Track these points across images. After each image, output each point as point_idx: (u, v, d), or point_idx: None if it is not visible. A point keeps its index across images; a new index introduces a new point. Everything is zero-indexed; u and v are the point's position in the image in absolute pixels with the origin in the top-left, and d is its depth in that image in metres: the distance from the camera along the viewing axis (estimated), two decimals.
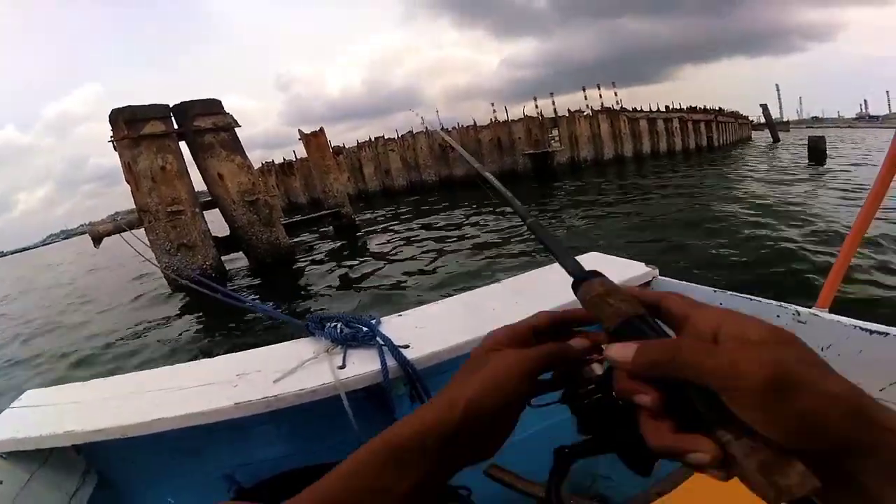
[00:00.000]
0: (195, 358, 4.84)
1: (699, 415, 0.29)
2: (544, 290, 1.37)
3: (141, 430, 1.00)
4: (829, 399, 0.26)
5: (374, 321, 1.22)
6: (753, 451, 0.27)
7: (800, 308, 1.03)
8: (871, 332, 0.91)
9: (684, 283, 1.30)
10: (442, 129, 25.40)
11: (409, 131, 26.36)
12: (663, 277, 1.36)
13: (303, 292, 7.48)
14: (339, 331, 1.17)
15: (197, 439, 1.12)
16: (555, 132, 24.60)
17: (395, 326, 1.22)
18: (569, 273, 0.43)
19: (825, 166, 15.36)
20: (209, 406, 1.00)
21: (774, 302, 1.09)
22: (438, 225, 11.95)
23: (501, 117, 26.39)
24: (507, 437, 0.39)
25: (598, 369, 0.40)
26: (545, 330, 0.43)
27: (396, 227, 12.75)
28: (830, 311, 1.04)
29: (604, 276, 0.41)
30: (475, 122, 25.99)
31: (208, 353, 5.08)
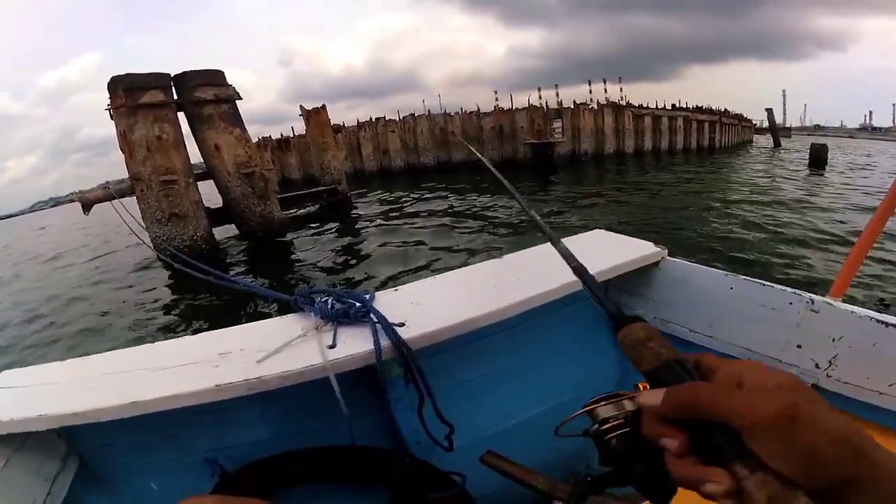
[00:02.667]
0: (178, 334, 4.89)
1: (720, 451, 0.32)
2: (546, 266, 1.24)
3: (119, 413, 0.94)
4: (833, 436, 0.30)
5: (367, 296, 1.14)
6: (764, 484, 0.30)
7: (814, 296, 1.00)
8: (887, 324, 0.88)
9: (693, 264, 1.25)
10: (445, 113, 25.33)
11: (410, 114, 26.16)
12: (672, 258, 1.30)
13: (294, 267, 7.46)
14: (329, 306, 1.10)
15: (178, 422, 1.07)
16: (558, 123, 24.45)
17: (389, 302, 1.15)
18: (609, 315, 0.46)
19: (825, 175, 15.42)
20: (189, 388, 0.94)
21: (788, 289, 1.05)
22: (435, 205, 11.98)
23: (505, 105, 26.20)
24: None
25: (629, 405, 0.44)
26: None
27: (393, 206, 12.74)
28: (844, 301, 1.00)
29: (645, 320, 0.43)
30: (479, 108, 25.83)
31: (192, 330, 5.07)
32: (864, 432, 0.31)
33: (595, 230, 1.57)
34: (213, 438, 1.16)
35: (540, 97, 26.74)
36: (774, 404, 0.31)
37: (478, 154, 1.05)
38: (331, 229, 10.14)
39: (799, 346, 1.02)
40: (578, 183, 15.92)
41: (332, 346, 1.00)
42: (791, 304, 1.02)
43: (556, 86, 27.58)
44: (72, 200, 8.92)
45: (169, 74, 8.04)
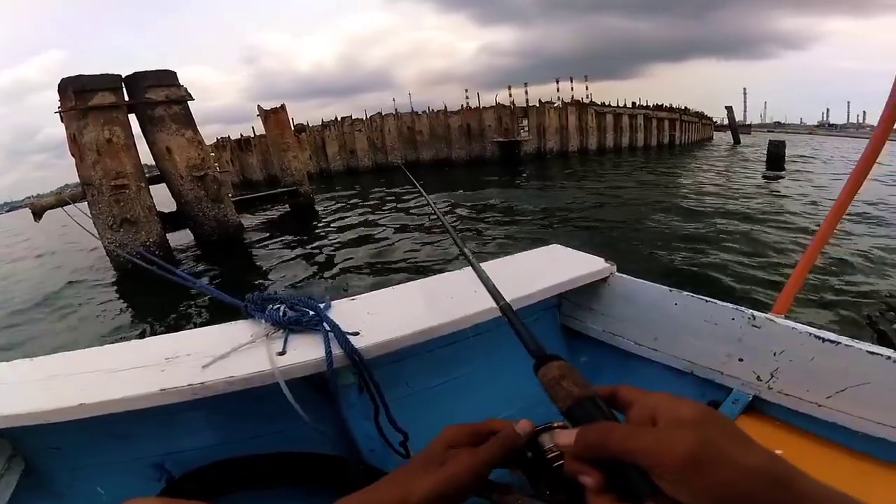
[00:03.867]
0: (126, 338, 4.82)
1: (632, 489, 0.33)
2: (504, 279, 1.22)
3: (64, 416, 0.93)
4: (749, 471, 0.29)
5: (322, 304, 1.13)
6: None
7: (756, 312, 1.03)
8: (824, 340, 0.92)
9: (640, 280, 1.28)
10: (412, 112, 25.24)
11: (377, 112, 26.04)
12: (620, 274, 1.34)
13: (250, 272, 7.37)
14: (281, 314, 1.08)
15: (125, 426, 1.06)
16: (525, 122, 24.84)
17: (344, 311, 1.15)
18: (532, 355, 0.48)
19: (783, 171, 15.91)
20: (135, 391, 0.93)
21: (731, 305, 1.08)
22: (402, 206, 11.90)
23: (474, 103, 26.37)
24: None
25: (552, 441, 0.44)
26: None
27: (357, 208, 12.65)
28: (786, 318, 1.03)
29: (562, 359, 0.45)
30: (445, 108, 25.87)
31: (140, 334, 5.03)
32: (785, 462, 0.30)
33: (551, 245, 1.60)
34: (161, 443, 1.15)
35: (510, 95, 27.07)
36: (681, 445, 0.30)
37: (416, 183, 1.06)
38: (291, 232, 9.95)
39: (741, 360, 1.05)
40: (542, 177, 16.24)
41: (282, 353, 1.00)
42: (733, 319, 1.05)
43: (526, 84, 27.91)
44: (27, 206, 8.61)
45: (120, 76, 7.84)
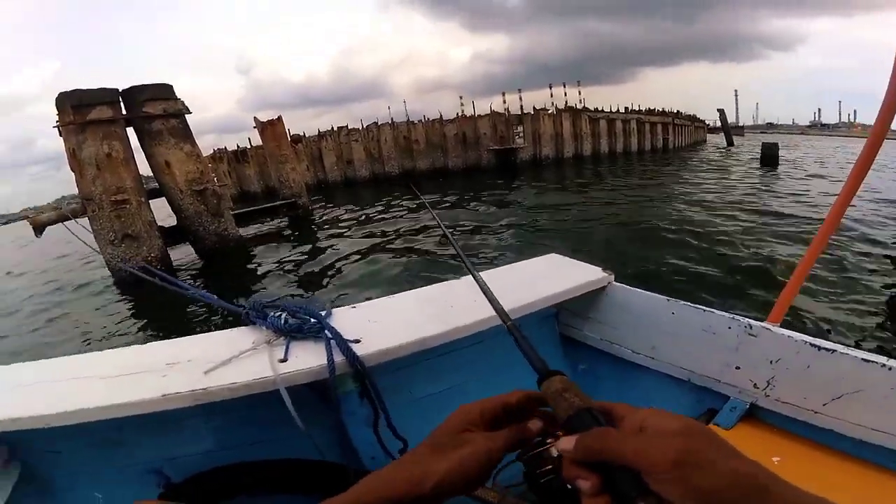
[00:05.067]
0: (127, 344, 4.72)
1: (626, 491, 0.35)
2: (506, 288, 1.23)
3: (63, 420, 0.92)
4: (732, 476, 0.32)
5: (323, 312, 1.14)
6: None
7: (752, 321, 1.04)
8: (820, 348, 0.93)
9: (638, 290, 1.29)
10: (408, 121, 25.30)
11: (374, 122, 26.11)
12: (618, 283, 1.35)
13: (252, 285, 7.36)
14: (282, 321, 1.09)
15: (124, 431, 1.06)
16: (520, 129, 24.94)
17: (346, 319, 1.15)
18: (535, 370, 0.51)
19: (777, 171, 16.06)
20: (135, 397, 0.93)
21: (727, 314, 1.09)
22: (401, 217, 11.90)
23: (469, 111, 26.51)
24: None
25: (554, 452, 0.45)
26: (514, 408, 0.49)
27: (356, 219, 12.63)
28: (782, 326, 1.04)
29: (563, 374, 0.48)
30: (441, 116, 25.98)
31: (141, 340, 5.01)
32: (766, 470, 0.33)
33: (550, 254, 1.61)
34: (159, 448, 1.15)
35: (504, 102, 27.21)
36: (670, 449, 0.33)
37: (420, 196, 1.11)
38: (291, 244, 9.98)
39: (738, 368, 1.06)
40: (539, 182, 16.32)
41: (284, 360, 1.00)
42: (730, 328, 1.06)
43: (520, 90, 27.99)
44: (25, 217, 8.58)
45: (117, 89, 7.84)
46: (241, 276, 8.05)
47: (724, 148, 33.32)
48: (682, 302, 1.17)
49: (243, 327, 1.19)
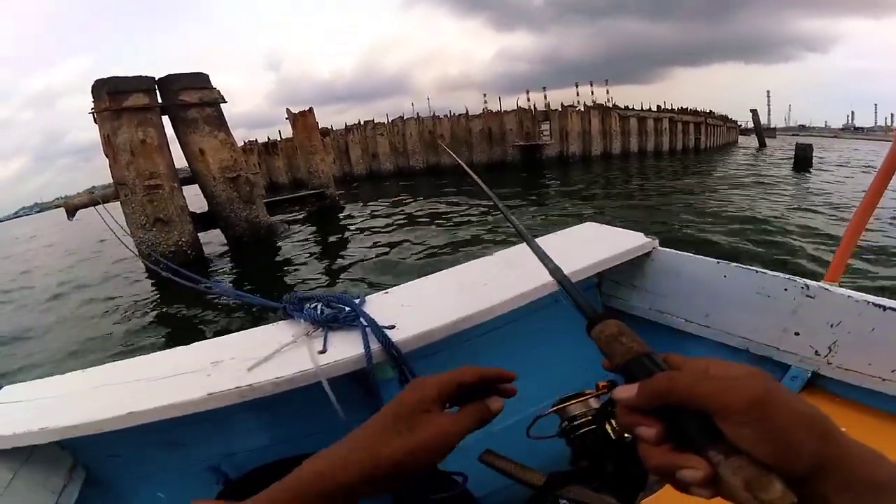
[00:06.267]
0: (168, 345, 4.71)
1: (693, 438, 0.33)
2: (535, 262, 1.26)
3: (116, 424, 0.94)
4: (803, 418, 0.31)
5: (357, 300, 1.14)
6: (739, 469, 0.30)
7: (809, 282, 0.99)
8: (885, 308, 0.86)
9: (685, 253, 1.22)
10: (434, 116, 25.35)
11: (399, 116, 26.15)
12: (663, 248, 1.28)
13: (282, 272, 7.38)
14: (319, 312, 1.09)
15: (178, 431, 1.08)
16: (546, 126, 24.62)
17: (379, 305, 1.14)
18: (585, 315, 0.46)
19: (810, 174, 15.50)
20: (182, 397, 0.95)
21: (782, 274, 1.03)
22: (426, 208, 11.90)
23: (493, 108, 26.33)
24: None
25: (594, 403, 0.45)
26: (469, 386, 0.46)
27: (381, 210, 12.65)
28: (840, 286, 0.99)
29: (618, 319, 0.44)
30: (467, 111, 25.86)
31: (182, 341, 4.94)
32: (829, 418, 0.32)
33: (587, 223, 1.54)
34: (215, 446, 1.16)
35: (528, 100, 26.96)
36: (748, 389, 0.32)
37: (460, 162, 1.09)
38: (318, 233, 10.04)
39: (797, 334, 1.00)
40: (567, 183, 16.02)
41: (323, 352, 1.00)
42: (786, 290, 1.01)
43: (545, 88, 27.70)
44: (58, 206, 8.72)
45: (153, 77, 7.94)
46: (270, 262, 8.09)
47: (755, 149, 32.31)
48: (734, 264, 1.10)
49: (282, 321, 1.20)
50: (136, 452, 1.15)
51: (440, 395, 0.44)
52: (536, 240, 1.49)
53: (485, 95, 29.08)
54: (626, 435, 0.42)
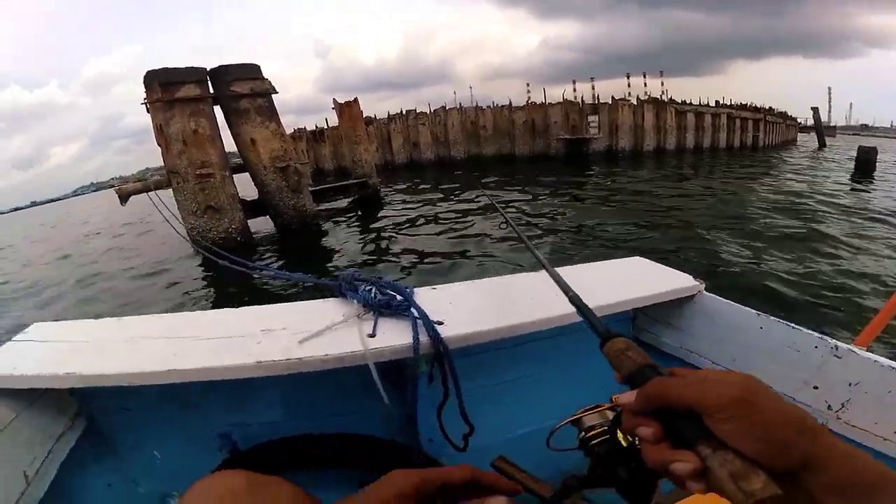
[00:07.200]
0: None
1: (686, 435, 0.36)
2: (582, 287, 1.22)
3: (150, 380, 0.92)
4: (786, 417, 0.34)
5: (408, 290, 1.13)
6: (726, 463, 0.33)
7: (840, 343, 1.01)
8: None
9: (728, 301, 1.24)
10: (476, 107, 24.95)
11: (441, 106, 25.91)
12: (708, 294, 1.28)
13: (325, 259, 7.43)
14: (372, 295, 1.09)
15: (202, 393, 1.06)
16: (594, 119, 23.79)
17: (428, 299, 1.14)
18: (597, 334, 0.52)
19: (872, 181, 13.80)
20: (231, 361, 0.92)
21: (815, 333, 1.06)
22: (466, 200, 11.69)
23: (537, 99, 25.60)
24: None
25: (609, 415, 0.50)
26: (458, 487, 0.45)
27: (422, 200, 12.59)
28: (869, 350, 1.01)
29: (625, 335, 0.49)
30: (510, 102, 25.35)
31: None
32: (814, 419, 0.34)
33: (634, 257, 1.56)
34: (231, 414, 1.15)
35: (574, 91, 26.07)
36: (731, 387, 0.35)
37: (492, 201, 1.24)
38: (360, 222, 10.11)
39: (815, 388, 1.03)
40: (614, 178, 15.33)
41: (372, 335, 1.00)
42: (816, 347, 1.04)
43: (592, 79, 26.62)
44: (112, 186, 8.98)
45: (205, 69, 7.97)
46: (315, 249, 8.16)
47: (815, 149, 30.22)
48: (772, 317, 1.14)
49: (333, 298, 1.19)
50: (149, 409, 1.13)
51: (417, 493, 0.43)
52: (581, 266, 1.55)
53: (528, 85, 28.27)
54: (636, 442, 0.44)
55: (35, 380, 0.94)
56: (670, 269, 1.42)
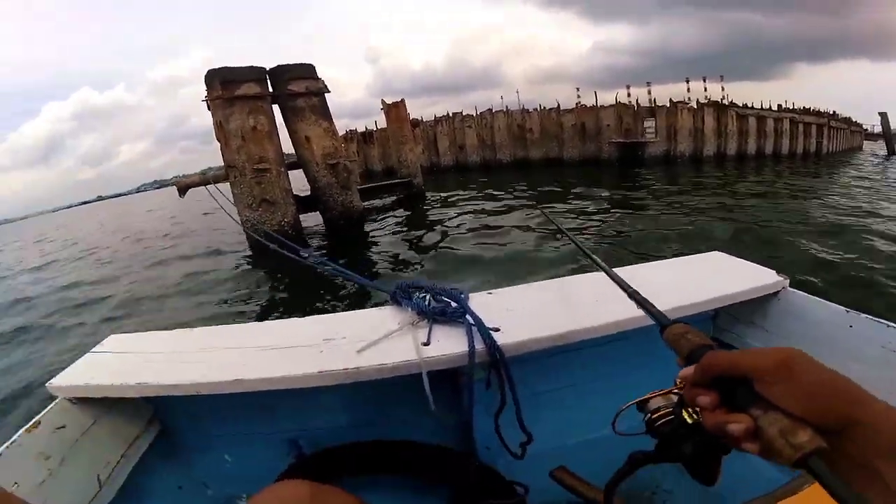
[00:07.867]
0: (280, 315, 4.99)
1: (740, 400, 0.40)
2: (660, 286, 1.17)
3: (219, 390, 0.96)
4: (828, 380, 0.36)
5: (462, 296, 1.12)
6: (775, 421, 0.36)
7: None
8: None
9: (815, 298, 1.18)
10: (523, 109, 24.68)
11: (487, 109, 25.79)
12: (793, 290, 1.22)
13: (369, 255, 7.60)
14: (426, 303, 1.10)
15: (272, 401, 1.09)
16: (650, 122, 22.95)
17: (483, 305, 1.12)
18: (656, 321, 0.57)
19: None
20: (295, 371, 0.96)
21: None
22: (513, 203, 11.60)
23: (588, 103, 24.94)
24: None
25: (674, 398, 0.52)
26: None
27: (467, 202, 12.59)
28: None
29: (683, 322, 0.53)
30: (559, 105, 24.89)
31: (290, 313, 5.14)
32: (859, 386, 0.36)
33: (713, 252, 1.51)
34: (297, 420, 1.20)
35: (629, 95, 25.16)
36: (776, 353, 0.38)
37: (545, 214, 1.27)
38: (404, 221, 10.25)
39: None
40: (671, 183, 14.70)
41: (427, 344, 1.00)
42: None
43: (648, 83, 25.49)
44: (175, 184, 9.54)
45: (264, 68, 8.32)
46: (362, 246, 8.35)
47: (883, 157, 27.76)
48: (865, 315, 1.06)
49: (388, 307, 1.21)
50: (217, 415, 1.17)
51: None
52: (659, 262, 1.53)
53: (578, 89, 27.30)
54: (700, 420, 0.46)
55: (112, 389, 0.99)
56: (752, 263, 1.35)
